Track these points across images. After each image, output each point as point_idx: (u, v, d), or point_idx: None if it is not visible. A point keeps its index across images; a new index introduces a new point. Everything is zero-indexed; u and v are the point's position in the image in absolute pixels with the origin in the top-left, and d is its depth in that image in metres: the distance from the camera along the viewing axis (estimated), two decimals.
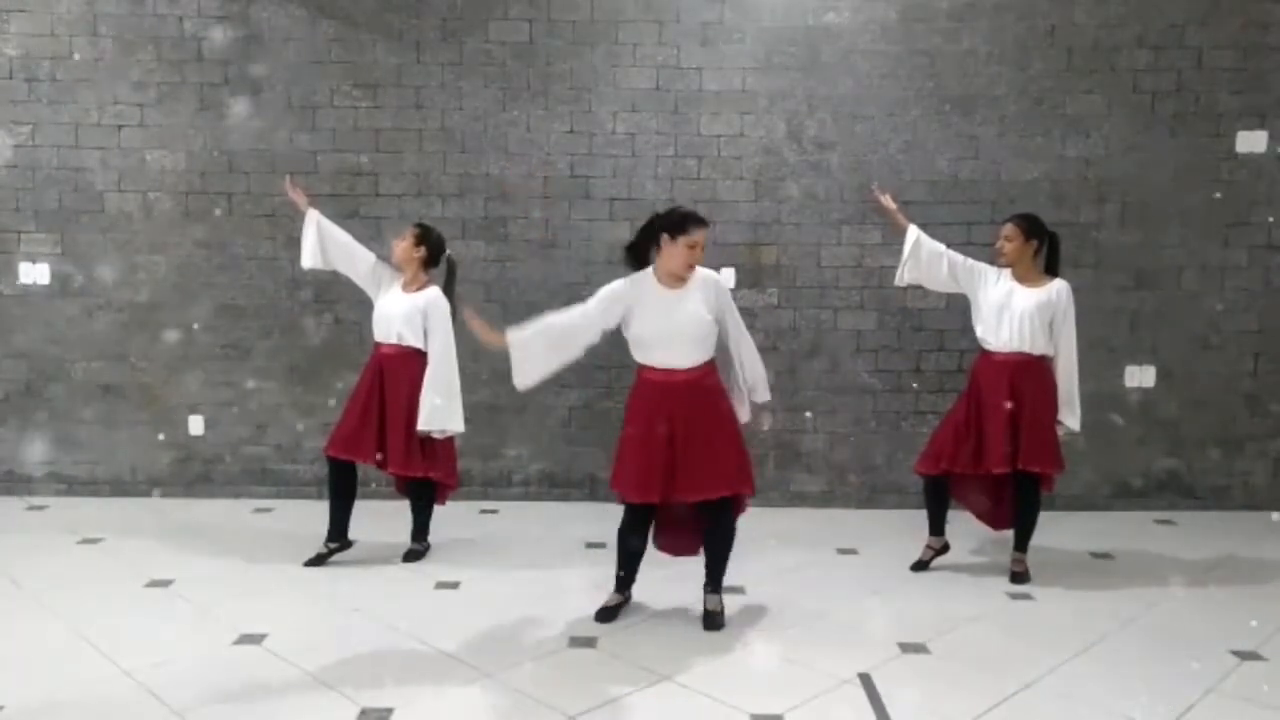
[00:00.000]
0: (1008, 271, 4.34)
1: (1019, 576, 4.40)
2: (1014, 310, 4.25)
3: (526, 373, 3.77)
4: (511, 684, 3.32)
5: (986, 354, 4.35)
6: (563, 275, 5.52)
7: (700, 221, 3.69)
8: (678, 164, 5.47)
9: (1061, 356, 4.29)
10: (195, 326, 5.54)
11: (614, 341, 5.65)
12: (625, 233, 5.47)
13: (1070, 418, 4.35)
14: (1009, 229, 4.31)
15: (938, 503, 4.53)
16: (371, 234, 5.46)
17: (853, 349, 5.55)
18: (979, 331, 4.38)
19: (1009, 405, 4.23)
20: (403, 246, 4.46)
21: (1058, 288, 4.26)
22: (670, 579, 4.29)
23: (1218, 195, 5.44)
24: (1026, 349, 4.23)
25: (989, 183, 5.45)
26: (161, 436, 5.59)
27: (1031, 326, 4.21)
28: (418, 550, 4.65)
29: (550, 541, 4.91)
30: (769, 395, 4.02)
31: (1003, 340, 4.27)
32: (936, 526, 4.56)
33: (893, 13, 5.37)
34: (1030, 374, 4.26)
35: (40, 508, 5.39)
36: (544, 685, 3.31)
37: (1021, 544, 4.45)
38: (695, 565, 4.47)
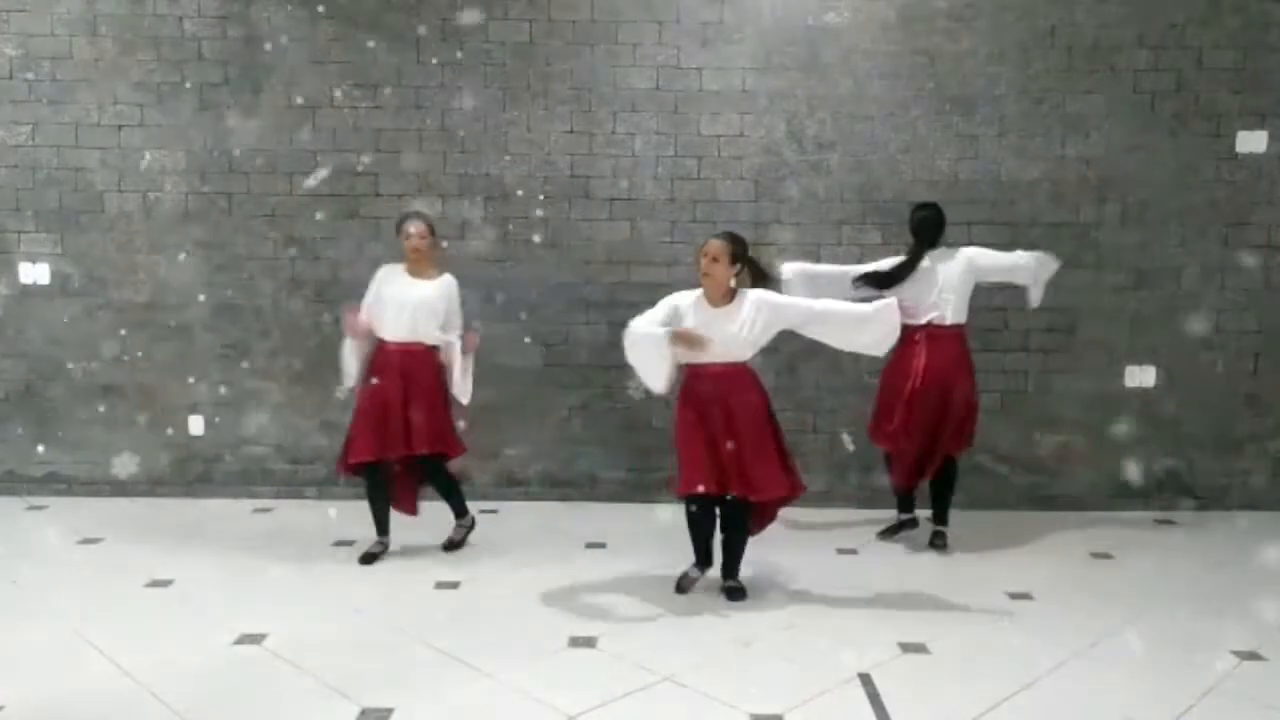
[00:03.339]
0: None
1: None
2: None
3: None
4: (511, 684, 3.32)
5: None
6: (563, 275, 5.52)
7: None
8: (678, 164, 5.47)
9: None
10: (189, 326, 5.55)
11: (614, 342, 5.67)
12: (625, 233, 5.50)
13: None
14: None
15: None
16: (371, 234, 5.48)
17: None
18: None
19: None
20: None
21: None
22: (670, 580, 4.29)
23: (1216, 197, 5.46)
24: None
25: (989, 183, 5.45)
26: (169, 432, 5.60)
27: None
28: (465, 526, 4.81)
29: (550, 541, 4.91)
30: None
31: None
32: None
33: (893, 13, 5.37)
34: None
35: (40, 508, 5.39)
36: (544, 685, 3.31)
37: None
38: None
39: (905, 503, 5.01)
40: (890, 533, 5.03)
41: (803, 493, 4.15)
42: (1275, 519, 5.44)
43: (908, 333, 4.76)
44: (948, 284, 4.67)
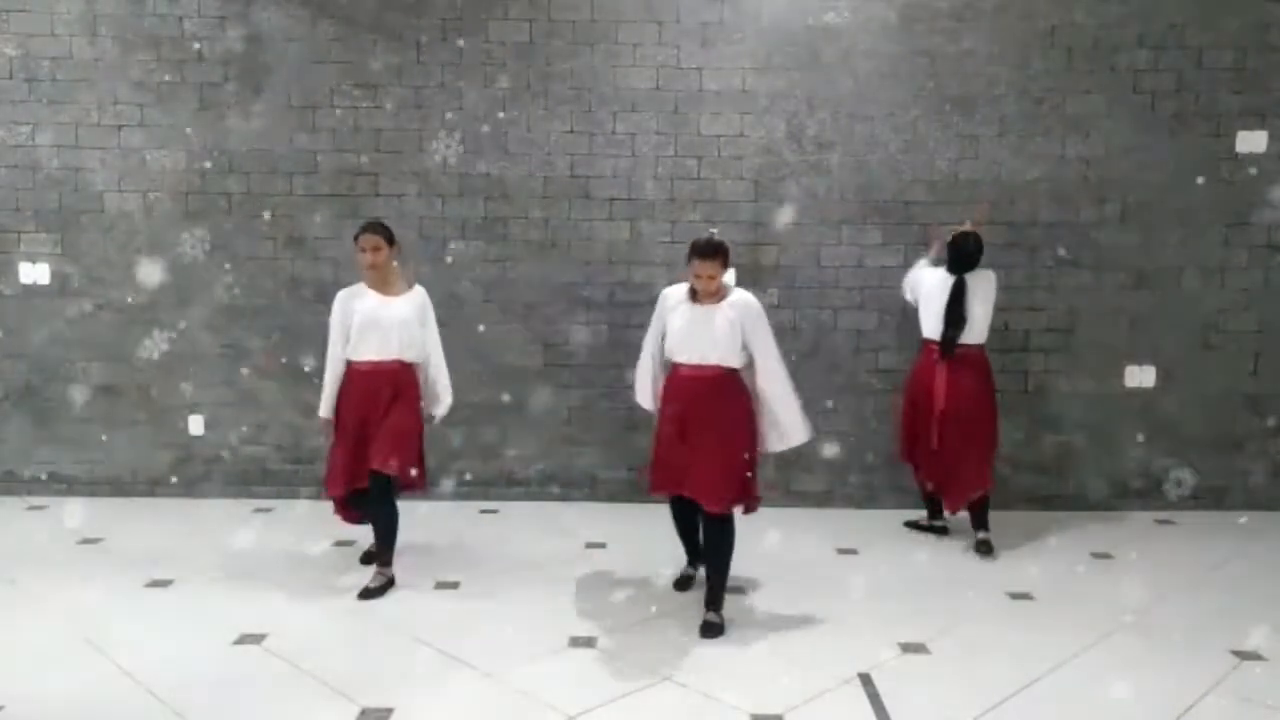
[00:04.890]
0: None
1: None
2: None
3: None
4: (511, 684, 3.33)
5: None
6: (562, 275, 5.52)
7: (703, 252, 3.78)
8: (678, 164, 5.47)
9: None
10: (189, 326, 5.54)
11: (614, 343, 5.68)
12: (625, 233, 5.51)
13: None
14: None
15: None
16: None
17: (853, 349, 5.55)
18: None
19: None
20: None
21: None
22: (670, 580, 4.29)
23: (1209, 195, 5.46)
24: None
25: (989, 183, 5.44)
26: (169, 432, 5.59)
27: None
28: (387, 578, 4.22)
29: (550, 541, 4.91)
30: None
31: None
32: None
33: (893, 13, 5.36)
34: None
35: (40, 508, 5.39)
36: (544, 685, 3.31)
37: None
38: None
39: (934, 507, 5.12)
40: (917, 528, 5.15)
41: (740, 503, 3.87)
42: (1275, 519, 5.44)
43: (926, 349, 4.86)
44: (976, 304, 4.76)
